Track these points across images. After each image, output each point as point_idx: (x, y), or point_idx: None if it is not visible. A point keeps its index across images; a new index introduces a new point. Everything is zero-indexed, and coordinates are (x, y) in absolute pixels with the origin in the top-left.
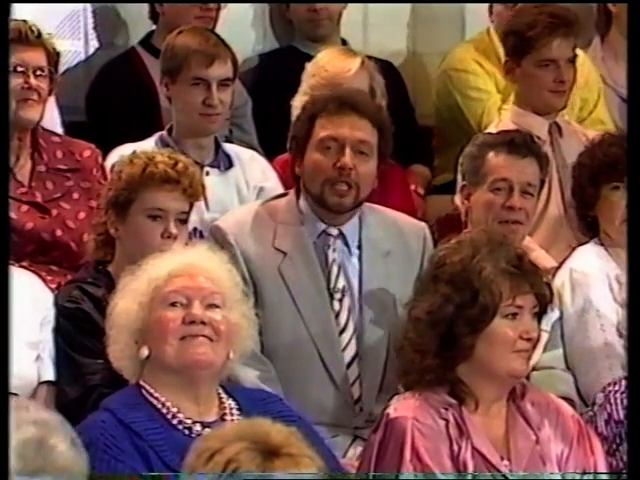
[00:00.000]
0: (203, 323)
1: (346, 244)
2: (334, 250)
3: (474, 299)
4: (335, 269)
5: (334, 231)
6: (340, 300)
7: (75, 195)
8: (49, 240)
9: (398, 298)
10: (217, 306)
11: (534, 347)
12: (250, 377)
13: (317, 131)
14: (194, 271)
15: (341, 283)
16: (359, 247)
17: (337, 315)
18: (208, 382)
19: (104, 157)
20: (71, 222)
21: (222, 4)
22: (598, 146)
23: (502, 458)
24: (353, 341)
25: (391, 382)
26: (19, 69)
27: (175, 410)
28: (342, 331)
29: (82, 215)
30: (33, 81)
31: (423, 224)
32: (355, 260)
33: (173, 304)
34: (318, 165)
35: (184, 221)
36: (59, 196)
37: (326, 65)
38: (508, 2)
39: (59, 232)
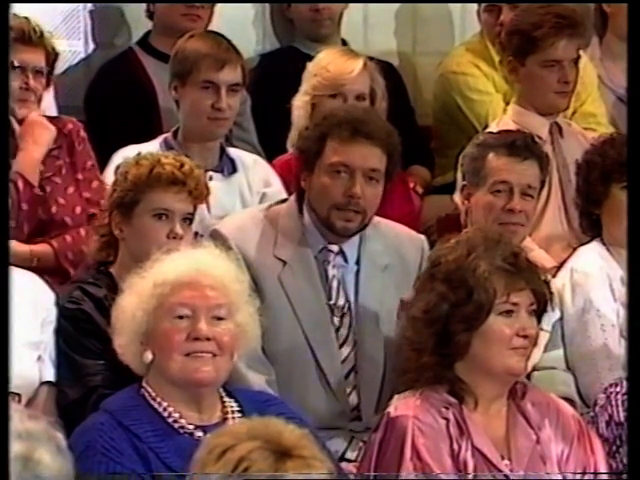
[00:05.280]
0: (208, 339)
1: (345, 260)
2: (334, 266)
3: (469, 297)
4: (335, 284)
5: (335, 248)
6: (341, 316)
7: (63, 170)
8: (45, 218)
9: (393, 311)
10: (224, 315)
11: (533, 345)
12: (258, 381)
13: (328, 153)
14: (200, 279)
15: (341, 300)
16: (357, 262)
17: (337, 329)
18: (211, 393)
19: (95, 153)
20: (61, 198)
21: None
22: (610, 145)
23: (502, 457)
24: (352, 354)
25: (389, 393)
26: (18, 68)
27: (177, 415)
28: (342, 344)
29: (71, 190)
30: (32, 82)
31: (422, 236)
32: (353, 274)
33: (178, 316)
34: (327, 190)
35: (189, 222)
36: (51, 174)
37: (328, 66)
38: (508, 2)
39: (54, 209)
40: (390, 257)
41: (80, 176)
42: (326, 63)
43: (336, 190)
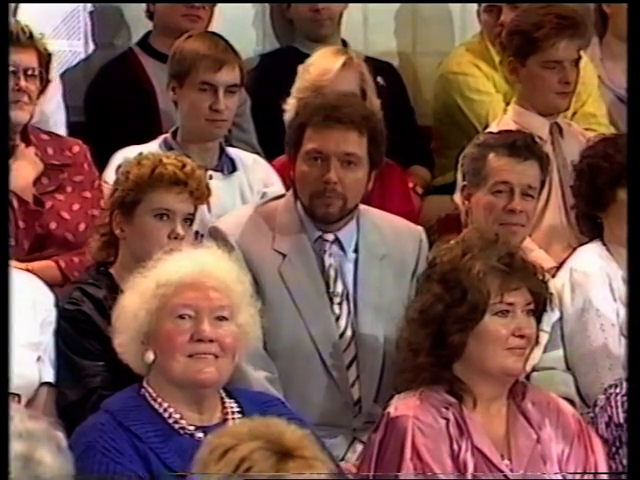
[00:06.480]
0: (211, 341)
1: (342, 249)
2: (330, 255)
3: (463, 297)
4: (332, 273)
5: (330, 237)
6: (340, 304)
7: (68, 188)
8: (41, 233)
9: (392, 301)
10: (226, 316)
11: (532, 345)
12: (258, 378)
13: (305, 142)
14: (203, 281)
15: (339, 287)
16: (355, 251)
17: (337, 319)
18: (212, 394)
19: (95, 153)
20: (66, 213)
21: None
22: (614, 149)
23: (503, 457)
24: (352, 344)
25: (389, 383)
26: (10, 70)
27: (178, 416)
28: (342, 334)
29: (76, 207)
30: (23, 83)
31: (420, 228)
32: (351, 264)
33: (181, 316)
34: (305, 177)
35: (190, 222)
36: (53, 189)
37: (309, 67)
38: (508, 2)
39: (53, 225)
40: (388, 247)
41: (88, 194)
42: (309, 65)
43: (313, 177)
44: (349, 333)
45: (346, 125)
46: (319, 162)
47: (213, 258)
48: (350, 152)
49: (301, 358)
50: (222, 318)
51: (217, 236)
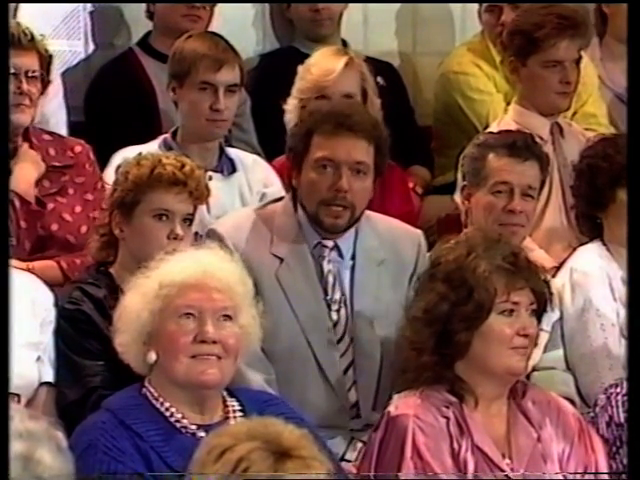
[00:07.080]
0: (214, 342)
1: (341, 255)
2: (329, 262)
3: (469, 296)
4: (331, 280)
5: (329, 243)
6: (337, 311)
7: (70, 190)
8: (43, 234)
9: (390, 306)
10: (229, 318)
11: (533, 345)
12: (257, 380)
13: (313, 149)
14: (207, 281)
15: (337, 294)
16: (353, 257)
17: (335, 325)
18: (215, 394)
19: (95, 153)
20: (68, 215)
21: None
22: (614, 149)
23: (503, 456)
24: (350, 349)
25: (386, 388)
26: (12, 72)
27: (179, 416)
28: (339, 340)
29: (78, 209)
30: (25, 86)
31: (418, 231)
32: (349, 269)
33: (184, 317)
34: (314, 185)
35: (189, 223)
36: (55, 191)
37: (311, 68)
38: (510, 2)
39: (55, 226)
40: (386, 252)
41: (90, 196)
42: (310, 65)
43: (323, 185)
44: (347, 339)
45: (356, 133)
46: (329, 170)
47: (216, 259)
48: (360, 161)
49: (298, 362)
50: (225, 319)
51: (214, 239)
